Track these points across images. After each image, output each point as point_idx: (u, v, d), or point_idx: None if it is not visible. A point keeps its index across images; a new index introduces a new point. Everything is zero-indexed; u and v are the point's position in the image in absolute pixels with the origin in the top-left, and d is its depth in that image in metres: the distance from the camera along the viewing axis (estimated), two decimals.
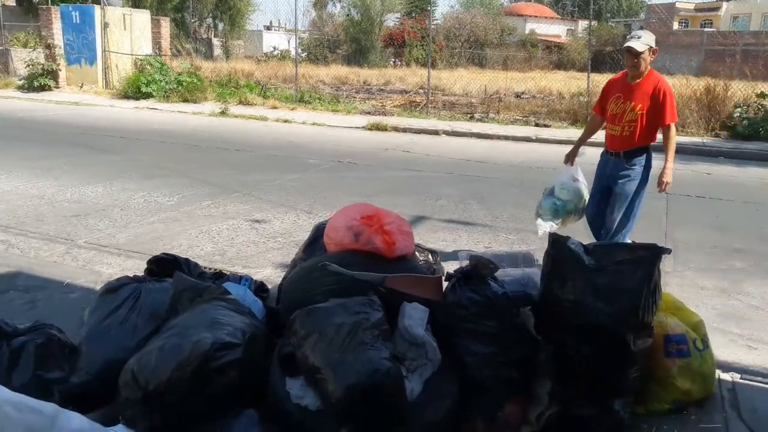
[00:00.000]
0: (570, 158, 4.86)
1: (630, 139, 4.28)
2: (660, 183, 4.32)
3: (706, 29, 38.65)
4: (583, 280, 2.48)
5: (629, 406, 2.51)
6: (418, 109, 16.53)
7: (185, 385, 2.06)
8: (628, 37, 4.29)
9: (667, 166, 4.32)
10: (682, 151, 11.04)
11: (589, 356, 2.46)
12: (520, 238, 5.72)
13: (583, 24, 44.26)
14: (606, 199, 4.45)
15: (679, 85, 14.14)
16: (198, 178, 7.91)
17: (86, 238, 5.39)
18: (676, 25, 38.70)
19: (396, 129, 13.21)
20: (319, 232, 3.24)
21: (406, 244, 2.90)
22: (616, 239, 4.34)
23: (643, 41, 4.15)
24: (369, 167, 9.13)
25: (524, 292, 2.76)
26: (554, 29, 42.27)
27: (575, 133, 12.87)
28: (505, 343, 2.45)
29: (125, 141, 10.87)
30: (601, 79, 16.66)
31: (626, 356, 2.45)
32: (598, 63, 18.70)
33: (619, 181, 4.32)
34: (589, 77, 14.85)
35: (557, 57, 33.80)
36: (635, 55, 4.13)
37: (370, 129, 13.17)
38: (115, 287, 2.71)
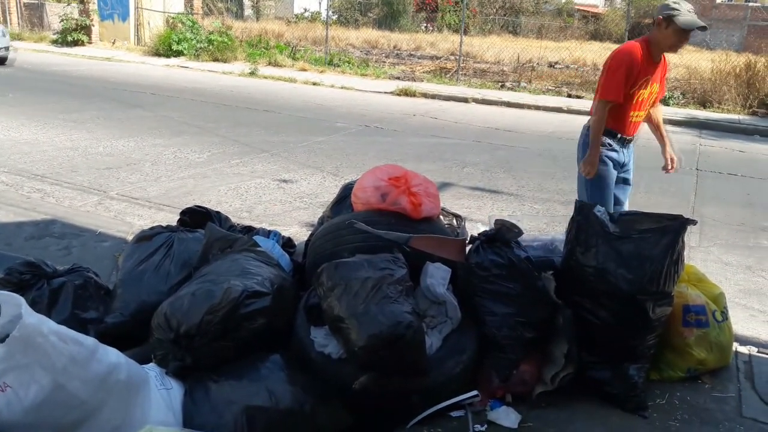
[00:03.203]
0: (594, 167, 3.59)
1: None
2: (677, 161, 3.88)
3: (750, 3, 37.24)
4: (607, 247, 2.51)
5: (644, 371, 2.55)
6: (448, 75, 16.36)
7: (215, 329, 2.15)
8: (681, 10, 3.36)
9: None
10: (716, 128, 10.84)
11: (608, 321, 2.50)
12: (546, 208, 5.71)
13: None
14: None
15: (719, 60, 13.78)
16: (227, 137, 8.00)
17: (118, 190, 5.53)
18: None
19: (425, 95, 13.12)
20: (347, 191, 3.29)
21: (432, 206, 2.94)
22: None
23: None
24: (396, 132, 9.13)
25: (547, 257, 2.80)
26: None
27: None
28: (525, 305, 2.50)
29: (156, 97, 10.99)
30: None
31: (644, 323, 2.48)
32: (635, 35, 18.18)
33: (630, 168, 3.80)
34: None
35: (593, 27, 32.95)
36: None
37: (398, 94, 13.11)
38: (149, 235, 2.81)
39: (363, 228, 2.60)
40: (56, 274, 2.54)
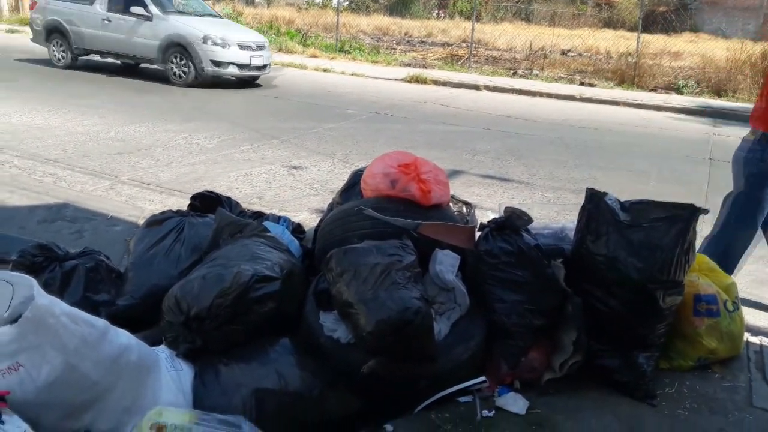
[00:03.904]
0: None
1: None
2: None
3: None
4: (617, 236, 2.49)
5: (653, 360, 2.54)
6: (459, 62, 16.27)
7: (225, 312, 2.16)
8: None
9: None
10: (731, 117, 10.72)
11: (618, 310, 2.49)
12: (557, 197, 5.69)
13: None
14: None
15: (734, 49, 13.62)
16: (237, 123, 8.01)
17: (129, 175, 5.56)
18: None
19: (436, 82, 13.06)
20: (356, 177, 3.29)
21: (441, 194, 2.92)
22: None
23: None
24: (407, 120, 9.10)
25: (557, 245, 2.79)
26: None
27: (620, 93, 12.56)
28: (534, 293, 2.50)
29: (166, 83, 11.00)
30: (652, 40, 16.10)
31: (654, 312, 2.47)
32: (649, 23, 17.96)
33: None
34: (639, 37, 14.35)
35: (607, 15, 32.59)
36: None
37: (409, 81, 13.06)
38: (159, 219, 2.83)
39: (372, 214, 2.60)
40: (68, 257, 2.56)
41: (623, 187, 5.72)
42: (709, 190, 6.19)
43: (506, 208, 2.73)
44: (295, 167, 6.15)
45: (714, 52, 14.72)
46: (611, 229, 2.52)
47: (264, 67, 11.47)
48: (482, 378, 2.39)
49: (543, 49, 17.79)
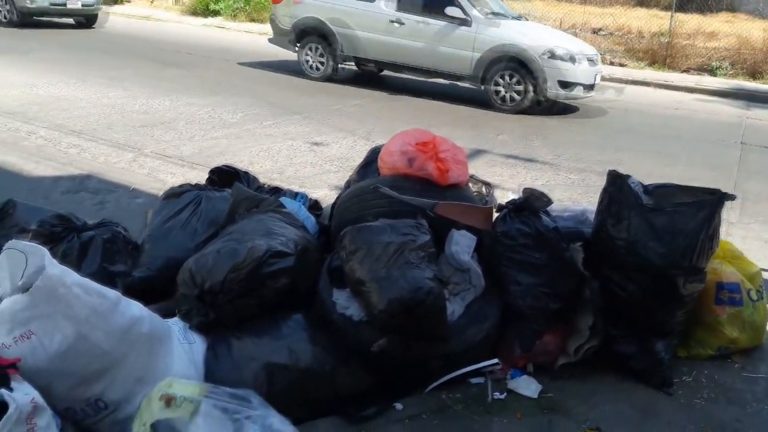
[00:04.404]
0: None
1: None
2: None
3: None
4: (639, 219, 2.43)
5: (671, 347, 2.50)
6: None
7: (238, 286, 2.16)
8: None
9: None
10: (766, 100, 10.40)
11: (636, 295, 2.44)
12: (581, 178, 5.59)
13: None
14: None
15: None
16: (261, 98, 7.99)
17: (152, 148, 5.60)
18: None
19: None
20: (374, 155, 3.25)
21: (459, 173, 2.88)
22: None
23: None
24: (430, 98, 8.99)
25: (576, 228, 2.74)
26: None
27: (651, 74, 12.26)
28: (551, 276, 2.46)
29: (192, 57, 11.02)
30: (686, 19, 15.62)
31: (674, 298, 2.42)
32: (684, 2, 17.42)
33: None
34: (672, 17, 13.93)
35: None
36: None
37: None
38: (177, 192, 2.83)
39: (388, 193, 2.57)
40: (86, 227, 2.58)
41: (651, 170, 5.60)
42: (739, 175, 6.03)
43: (525, 189, 2.68)
44: (316, 143, 6.14)
45: (751, 33, 14.22)
46: (633, 213, 2.46)
47: (595, 86, 8.58)
48: (495, 360, 2.38)
49: (574, 26, 17.37)
